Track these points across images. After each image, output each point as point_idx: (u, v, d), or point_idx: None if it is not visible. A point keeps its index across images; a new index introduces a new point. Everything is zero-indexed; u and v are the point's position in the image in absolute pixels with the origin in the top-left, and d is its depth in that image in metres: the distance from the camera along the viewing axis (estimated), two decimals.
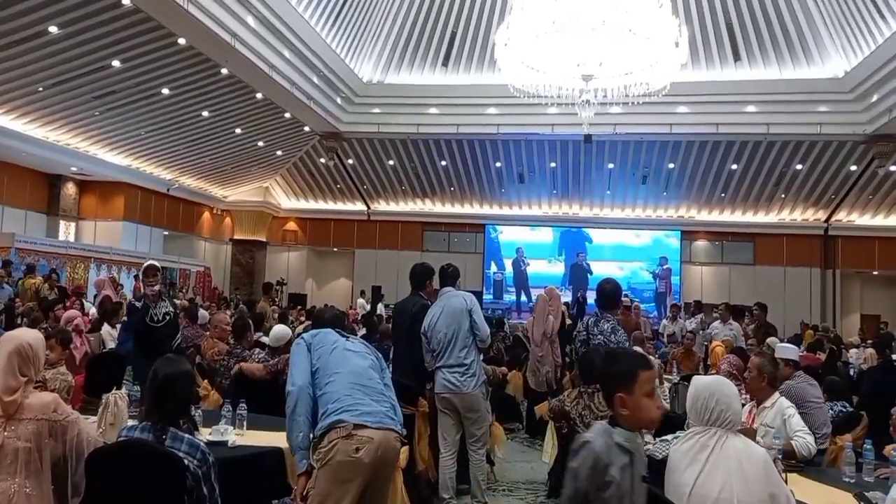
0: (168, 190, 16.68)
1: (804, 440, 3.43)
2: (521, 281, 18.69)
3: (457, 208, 19.16)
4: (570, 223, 18.72)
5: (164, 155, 15.13)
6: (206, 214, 18.95)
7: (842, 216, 16.97)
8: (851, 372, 8.47)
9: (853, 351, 10.41)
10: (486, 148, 16.27)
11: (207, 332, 5.96)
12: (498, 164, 16.93)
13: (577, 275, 18.13)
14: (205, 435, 2.90)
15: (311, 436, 2.64)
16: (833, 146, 14.37)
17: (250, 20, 10.74)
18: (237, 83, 12.27)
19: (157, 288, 5.03)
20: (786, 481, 2.67)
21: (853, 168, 14.99)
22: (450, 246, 19.29)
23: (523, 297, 18.43)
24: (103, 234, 15.49)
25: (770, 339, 6.36)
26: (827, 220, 17.09)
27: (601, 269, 17.03)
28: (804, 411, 4.29)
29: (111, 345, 7.29)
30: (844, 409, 4.97)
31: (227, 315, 6.30)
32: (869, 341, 11.03)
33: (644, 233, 18.45)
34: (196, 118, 13.48)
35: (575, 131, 12.73)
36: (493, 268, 19.12)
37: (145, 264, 5.26)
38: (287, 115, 14.21)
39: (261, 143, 15.72)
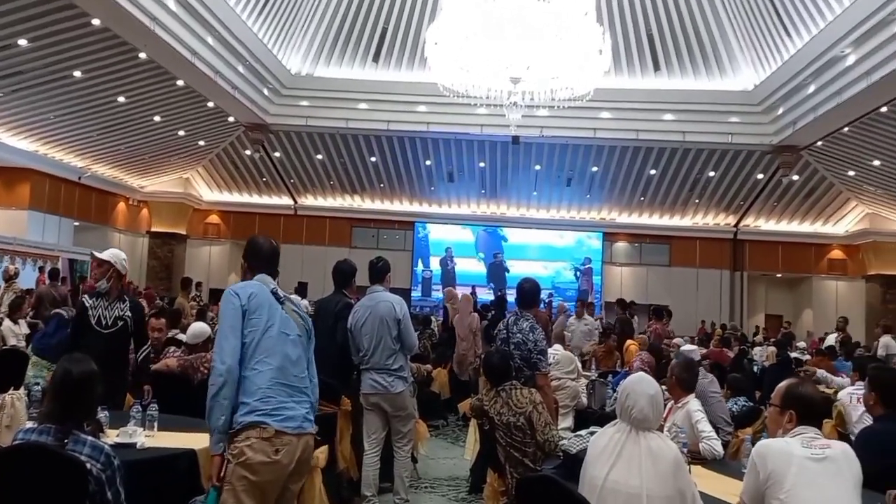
0: (80, 178, 15.77)
1: (710, 445, 3.63)
2: (449, 280, 18.83)
3: (386, 205, 19.10)
4: (498, 222, 19.01)
5: (75, 141, 14.29)
6: (122, 205, 18.03)
7: (749, 221, 18.03)
8: (755, 369, 9.03)
9: (757, 349, 11.10)
10: (416, 145, 16.28)
11: None
12: (428, 162, 16.98)
13: (496, 273, 18.47)
14: (112, 437, 2.77)
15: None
16: (742, 155, 15.23)
17: (171, 4, 10.29)
18: (156, 69, 11.74)
19: (104, 284, 4.06)
20: (690, 472, 2.82)
21: (760, 176, 15.95)
22: (378, 243, 19.18)
23: None
24: (6, 224, 14.44)
25: (676, 340, 6.70)
26: (736, 225, 18.11)
27: (526, 269, 17.38)
28: (705, 406, 4.55)
29: (13, 342, 6.86)
30: (747, 404, 5.30)
31: None
32: (772, 340, 11.78)
33: (568, 233, 18.96)
34: (111, 104, 12.80)
35: (504, 132, 12.92)
36: (420, 264, 19.18)
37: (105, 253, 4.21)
38: (210, 104, 13.73)
39: (181, 133, 15.11)
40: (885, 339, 9.35)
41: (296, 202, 19.10)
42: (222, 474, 2.48)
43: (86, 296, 4.19)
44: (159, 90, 12.67)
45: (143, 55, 11.10)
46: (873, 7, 9.42)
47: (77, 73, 11.33)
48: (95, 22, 9.84)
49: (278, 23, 13.32)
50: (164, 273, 18.37)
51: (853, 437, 4.45)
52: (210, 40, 11.62)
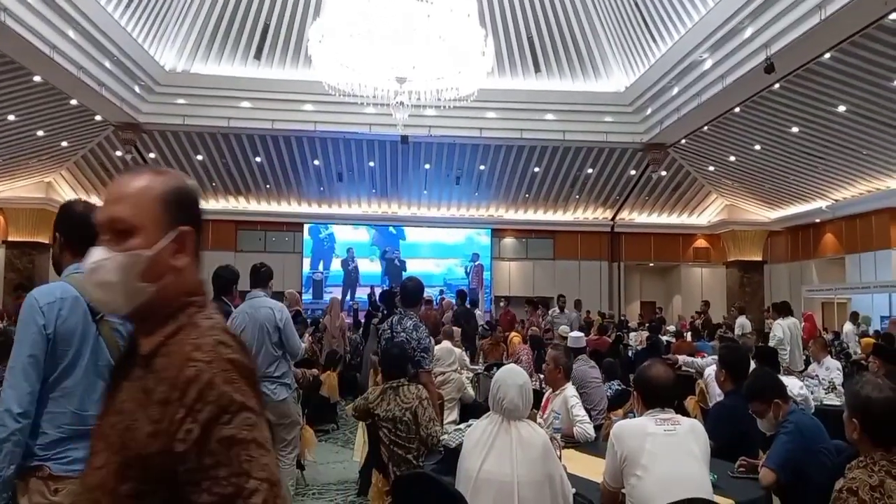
0: None
1: (583, 429, 3.85)
2: (351, 281, 18.63)
3: (273, 206, 18.56)
4: (389, 222, 19.02)
5: None
6: None
7: (624, 215, 19.17)
8: (630, 353, 9.64)
9: (632, 334, 11.85)
10: (303, 145, 15.93)
11: None
12: (316, 162, 16.67)
13: (392, 271, 18.53)
14: None
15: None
16: (617, 153, 16.16)
17: None
18: (9, 63, 10.69)
19: None
20: (560, 457, 2.98)
21: (633, 172, 17.00)
22: (266, 245, 18.63)
23: (349, 297, 18.39)
24: None
25: (562, 329, 7.04)
26: (613, 219, 19.20)
27: (419, 267, 17.52)
28: (585, 390, 4.83)
29: None
30: (620, 388, 5.66)
31: None
32: (645, 325, 12.61)
33: (458, 231, 19.30)
34: None
35: (392, 132, 12.93)
36: (320, 266, 18.81)
37: None
38: (73, 101, 12.69)
39: (41, 133, 13.87)
40: (741, 320, 10.30)
41: None
42: None
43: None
44: (13, 87, 11.55)
45: None
46: (726, 15, 10.29)
47: None
48: None
49: (149, 17, 12.53)
50: (26, 286, 16.79)
51: None
52: (71, 34, 10.75)
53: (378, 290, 16.18)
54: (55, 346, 2.11)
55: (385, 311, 8.08)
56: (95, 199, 17.55)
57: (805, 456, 3.01)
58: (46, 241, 17.41)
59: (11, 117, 12.74)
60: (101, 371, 2.18)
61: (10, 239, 17.05)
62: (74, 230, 2.27)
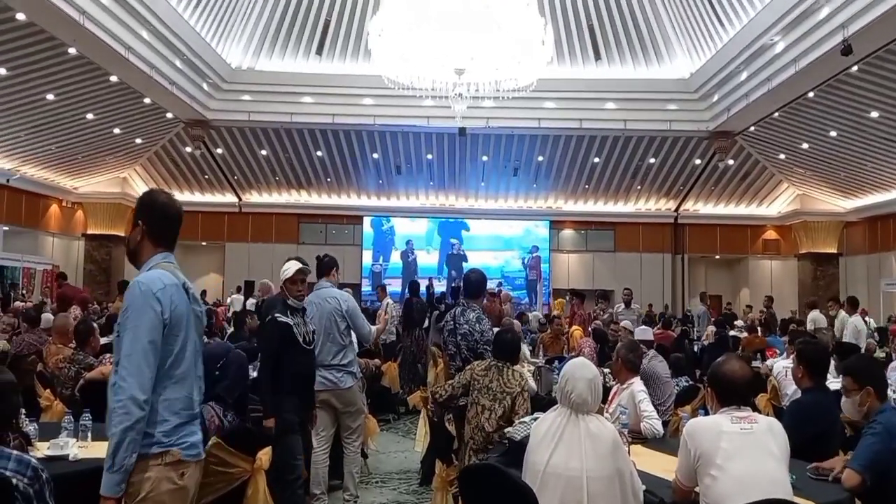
0: (8, 181, 15.01)
1: (650, 424, 3.75)
2: (410, 272, 18.81)
3: (333, 199, 18.90)
4: (447, 214, 19.06)
5: (2, 142, 13.60)
6: (55, 207, 17.27)
7: (689, 206, 18.59)
8: (696, 348, 9.34)
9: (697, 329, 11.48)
10: (362, 139, 16.14)
11: (51, 338, 5.45)
12: (375, 156, 16.87)
13: (454, 263, 18.56)
14: (42, 450, 2.67)
15: None
16: (681, 141, 15.67)
17: None
18: (87, 64, 11.27)
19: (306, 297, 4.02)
20: (629, 451, 2.91)
21: (698, 162, 16.45)
22: (327, 238, 19.01)
23: (407, 290, 18.55)
24: None
25: (625, 323, 6.90)
26: (676, 210, 18.65)
27: (476, 259, 17.48)
28: (655, 384, 4.72)
29: None
30: (688, 383, 5.50)
31: (70, 318, 5.77)
32: (712, 320, 12.19)
33: (516, 223, 19.17)
34: (40, 102, 12.23)
35: (450, 124, 12.91)
36: (380, 259, 19.05)
37: (293, 265, 3.91)
38: (147, 100, 13.27)
39: (117, 130, 14.56)
40: (813, 314, 9.82)
41: (240, 199, 18.69)
42: None
43: (278, 314, 3.82)
44: (91, 86, 12.18)
45: (72, 50, 10.64)
46: None
47: (1, 71, 10.78)
48: (20, 17, 9.38)
49: (216, 15, 12.95)
50: (102, 277, 17.71)
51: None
52: (144, 34, 11.22)
53: (436, 283, 16.33)
54: (169, 332, 2.12)
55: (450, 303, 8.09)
56: None
57: (892, 458, 2.84)
58: (123, 234, 18.28)
59: (90, 116, 13.41)
60: (199, 354, 2.26)
61: (89, 232, 18.00)
62: (158, 220, 2.25)
